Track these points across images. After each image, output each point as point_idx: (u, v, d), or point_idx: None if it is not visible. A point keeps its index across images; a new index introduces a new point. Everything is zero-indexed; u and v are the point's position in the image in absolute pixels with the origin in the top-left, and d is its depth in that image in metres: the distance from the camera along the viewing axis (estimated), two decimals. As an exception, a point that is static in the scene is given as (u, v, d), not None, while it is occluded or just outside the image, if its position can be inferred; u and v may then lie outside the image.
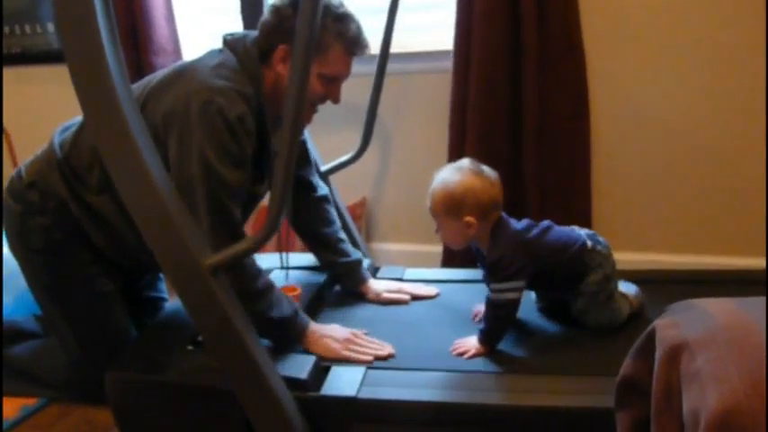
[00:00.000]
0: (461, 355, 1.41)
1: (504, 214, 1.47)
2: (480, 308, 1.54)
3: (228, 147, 1.31)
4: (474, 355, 1.40)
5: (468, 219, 1.41)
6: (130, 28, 2.37)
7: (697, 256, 2.18)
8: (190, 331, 1.52)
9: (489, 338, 1.42)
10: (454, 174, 1.43)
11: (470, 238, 1.46)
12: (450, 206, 1.41)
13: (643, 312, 1.53)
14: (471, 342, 1.42)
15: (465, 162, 1.46)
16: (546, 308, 1.59)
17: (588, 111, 2.12)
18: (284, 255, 1.85)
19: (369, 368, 1.37)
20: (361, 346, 1.43)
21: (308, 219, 1.75)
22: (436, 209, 1.44)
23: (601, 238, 1.48)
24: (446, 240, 1.51)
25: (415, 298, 1.71)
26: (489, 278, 1.45)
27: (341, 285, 1.80)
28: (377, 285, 1.74)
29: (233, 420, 1.32)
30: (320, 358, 1.38)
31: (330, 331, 1.45)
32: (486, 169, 1.45)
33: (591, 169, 2.17)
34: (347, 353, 1.41)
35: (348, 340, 1.43)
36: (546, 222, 1.49)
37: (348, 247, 1.78)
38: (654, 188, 2.18)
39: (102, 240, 1.53)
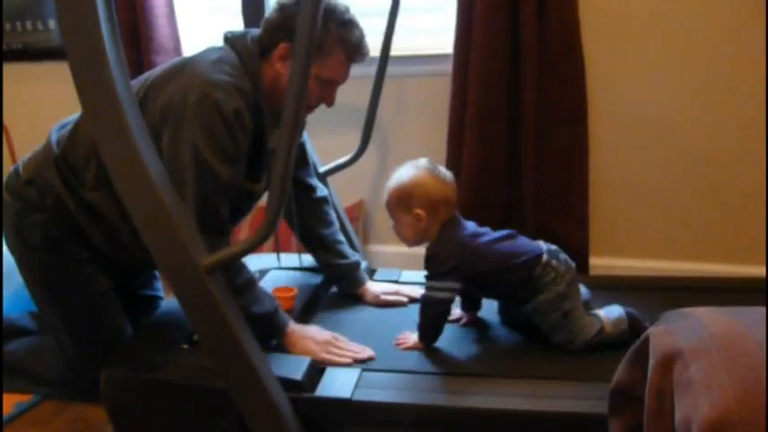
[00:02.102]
0: (400, 345, 1.47)
1: (459, 216, 1.50)
2: (457, 311, 1.59)
3: (222, 141, 1.32)
4: (411, 348, 1.46)
5: (418, 212, 1.45)
6: (131, 27, 2.37)
7: (694, 263, 2.18)
8: (185, 330, 1.52)
9: (422, 335, 1.46)
10: (409, 170, 1.49)
11: (421, 234, 1.49)
12: (401, 199, 1.47)
13: (625, 338, 1.41)
14: (413, 337, 1.47)
15: (422, 161, 1.51)
16: (509, 321, 1.57)
17: (587, 115, 2.12)
18: (280, 255, 1.86)
19: (364, 370, 1.37)
20: (340, 348, 1.43)
21: (307, 220, 1.75)
22: (389, 202, 1.50)
23: (564, 257, 1.45)
24: (399, 235, 1.53)
25: (413, 300, 1.71)
26: (428, 273, 1.48)
27: (338, 287, 1.80)
28: (374, 287, 1.75)
29: (227, 420, 1.32)
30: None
31: (310, 332, 1.45)
32: (442, 169, 1.50)
33: (589, 173, 2.17)
34: (326, 355, 1.40)
35: (328, 342, 1.43)
36: (507, 231, 1.49)
37: (347, 249, 1.78)
38: (652, 193, 2.18)
39: (99, 237, 1.53)
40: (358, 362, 1.40)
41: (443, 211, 1.47)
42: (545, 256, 1.42)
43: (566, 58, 2.06)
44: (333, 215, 1.81)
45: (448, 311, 1.45)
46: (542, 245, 1.46)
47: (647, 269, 2.18)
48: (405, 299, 1.72)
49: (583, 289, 1.51)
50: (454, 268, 1.42)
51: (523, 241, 1.48)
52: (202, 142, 1.29)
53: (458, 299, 1.59)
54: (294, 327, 1.44)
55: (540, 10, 2.02)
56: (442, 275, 1.43)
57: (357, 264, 1.76)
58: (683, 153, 2.12)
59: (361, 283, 1.75)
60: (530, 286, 1.42)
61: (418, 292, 1.73)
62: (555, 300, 1.40)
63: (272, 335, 1.42)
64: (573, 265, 1.46)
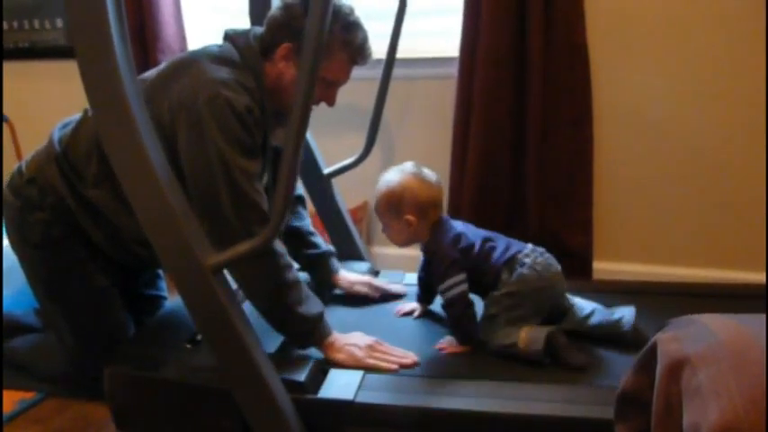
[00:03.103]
0: (444, 350, 1.47)
1: (446, 216, 1.54)
2: (402, 307, 1.67)
3: (241, 137, 1.32)
4: (456, 352, 1.45)
5: (408, 217, 1.48)
6: (138, 26, 2.38)
7: (697, 269, 2.18)
8: (188, 330, 1.52)
9: (460, 337, 1.47)
10: (396, 175, 1.52)
11: (412, 237, 1.52)
12: (391, 204, 1.50)
13: (536, 359, 1.37)
14: (452, 341, 1.48)
15: (407, 165, 1.54)
16: None
17: (591, 118, 2.12)
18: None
19: (366, 372, 1.36)
20: (384, 353, 1.42)
21: None
22: (379, 208, 1.53)
23: (522, 271, 1.43)
24: (391, 239, 1.56)
25: (384, 297, 1.76)
26: (432, 279, 1.52)
27: (312, 277, 1.81)
28: (348, 276, 1.78)
29: (230, 420, 1.32)
30: (343, 365, 1.38)
31: (353, 339, 1.44)
32: (428, 172, 1.53)
33: (593, 177, 2.17)
34: (372, 360, 1.39)
35: (371, 347, 1.42)
36: (487, 233, 1.53)
37: (319, 239, 1.81)
38: (655, 198, 2.18)
39: (100, 235, 1.54)
40: (404, 367, 1.40)
41: (433, 213, 1.50)
42: (502, 266, 1.45)
43: (571, 62, 2.07)
44: (306, 213, 1.84)
45: (469, 304, 1.46)
46: (520, 251, 1.47)
47: (651, 274, 2.18)
48: (377, 294, 1.76)
49: (585, 303, 1.51)
50: (454, 261, 1.45)
51: (502, 244, 1.50)
52: (224, 143, 1.29)
53: (415, 290, 1.67)
54: (337, 335, 1.43)
55: (547, 14, 2.02)
56: (448, 273, 1.45)
57: (329, 252, 1.79)
58: (687, 158, 2.11)
59: (333, 271, 1.78)
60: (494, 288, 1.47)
61: (393, 287, 1.80)
62: (487, 300, 1.46)
63: (313, 340, 1.41)
64: (542, 283, 1.43)
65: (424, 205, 1.48)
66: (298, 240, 1.77)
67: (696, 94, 2.06)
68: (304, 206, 1.85)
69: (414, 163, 1.54)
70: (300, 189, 1.86)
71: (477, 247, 1.48)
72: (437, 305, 1.64)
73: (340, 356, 1.39)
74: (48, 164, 1.51)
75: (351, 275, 1.79)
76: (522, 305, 1.43)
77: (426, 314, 1.65)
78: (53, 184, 1.50)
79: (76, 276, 1.57)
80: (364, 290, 1.76)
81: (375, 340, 1.44)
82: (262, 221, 1.32)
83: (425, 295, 1.65)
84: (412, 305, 1.67)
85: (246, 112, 1.32)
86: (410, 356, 1.43)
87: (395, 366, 1.39)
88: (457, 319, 1.47)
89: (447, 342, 1.48)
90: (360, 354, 1.40)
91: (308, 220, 1.83)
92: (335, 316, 1.64)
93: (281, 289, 1.35)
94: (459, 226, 1.53)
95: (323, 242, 1.81)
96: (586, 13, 2.04)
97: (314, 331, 1.40)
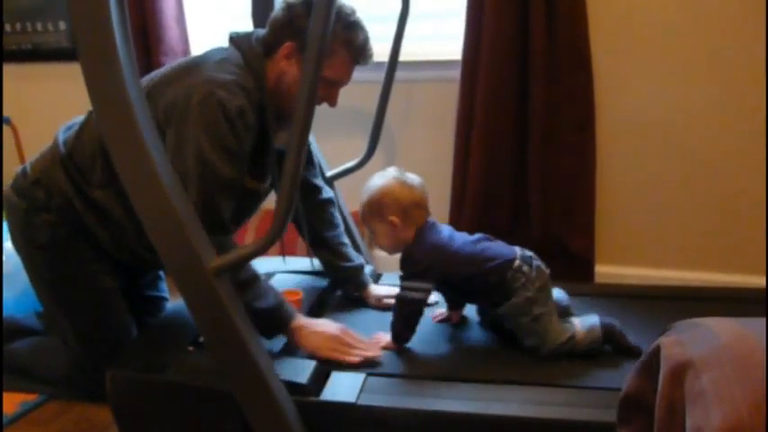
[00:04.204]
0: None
1: (434, 220, 1.53)
2: (438, 314, 1.63)
3: (225, 140, 1.32)
4: (384, 348, 1.46)
5: (392, 218, 1.48)
6: (141, 29, 2.38)
7: (699, 273, 2.18)
8: (190, 331, 1.52)
9: (396, 334, 1.47)
10: (377, 180, 1.53)
11: (399, 240, 1.51)
12: (374, 208, 1.51)
13: (597, 349, 1.42)
14: (386, 337, 1.48)
15: (390, 170, 1.55)
16: (489, 324, 1.58)
17: (594, 122, 2.12)
18: (286, 258, 1.86)
19: (369, 374, 1.36)
20: (349, 345, 1.42)
21: (313, 222, 1.76)
22: (364, 213, 1.54)
23: (537, 263, 1.45)
24: (379, 244, 1.56)
25: None
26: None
27: (342, 289, 1.80)
28: (377, 291, 1.76)
29: (232, 422, 1.31)
30: (306, 353, 1.39)
31: (319, 327, 1.43)
32: (410, 175, 1.54)
33: (595, 181, 2.17)
34: (333, 353, 1.39)
35: (337, 338, 1.41)
36: (480, 235, 1.52)
37: (351, 251, 1.79)
38: (658, 202, 2.18)
39: (106, 236, 1.54)
40: (367, 361, 1.39)
41: (416, 214, 1.50)
42: (517, 261, 1.43)
43: (574, 66, 2.07)
44: (338, 217, 1.82)
45: (421, 311, 1.47)
46: (517, 250, 1.47)
47: (653, 278, 2.18)
48: None
49: (563, 294, 1.52)
50: (427, 269, 1.46)
51: (497, 246, 1.49)
52: (206, 141, 1.30)
53: (444, 300, 1.64)
54: (302, 321, 1.42)
55: (550, 18, 2.02)
56: (415, 276, 1.46)
57: (360, 266, 1.77)
58: (689, 162, 2.11)
59: (364, 285, 1.76)
60: (502, 290, 1.44)
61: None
62: (524, 304, 1.42)
63: (277, 329, 1.41)
64: (547, 271, 1.46)
65: (406, 206, 1.48)
66: (329, 251, 1.77)
67: (699, 98, 2.06)
68: (335, 208, 1.82)
69: (396, 167, 1.55)
70: (331, 192, 1.84)
71: (467, 251, 1.47)
72: (469, 310, 1.64)
73: (303, 344, 1.40)
74: (53, 165, 1.51)
75: (380, 289, 1.76)
76: (548, 297, 1.44)
77: (462, 320, 1.63)
78: (59, 186, 1.50)
79: (81, 277, 1.57)
80: (393, 302, 1.74)
81: (341, 329, 1.44)
82: (218, 229, 1.33)
83: (453, 302, 1.63)
84: (446, 311, 1.64)
85: (238, 113, 1.32)
86: (374, 348, 1.43)
87: (356, 359, 1.39)
88: (403, 319, 1.47)
89: (380, 339, 1.48)
90: (322, 344, 1.39)
91: (340, 228, 1.81)
92: (366, 318, 1.65)
93: (237, 289, 1.33)
94: (446, 230, 1.52)
95: (355, 254, 1.79)
96: (589, 18, 2.04)
97: (273, 323, 1.40)
